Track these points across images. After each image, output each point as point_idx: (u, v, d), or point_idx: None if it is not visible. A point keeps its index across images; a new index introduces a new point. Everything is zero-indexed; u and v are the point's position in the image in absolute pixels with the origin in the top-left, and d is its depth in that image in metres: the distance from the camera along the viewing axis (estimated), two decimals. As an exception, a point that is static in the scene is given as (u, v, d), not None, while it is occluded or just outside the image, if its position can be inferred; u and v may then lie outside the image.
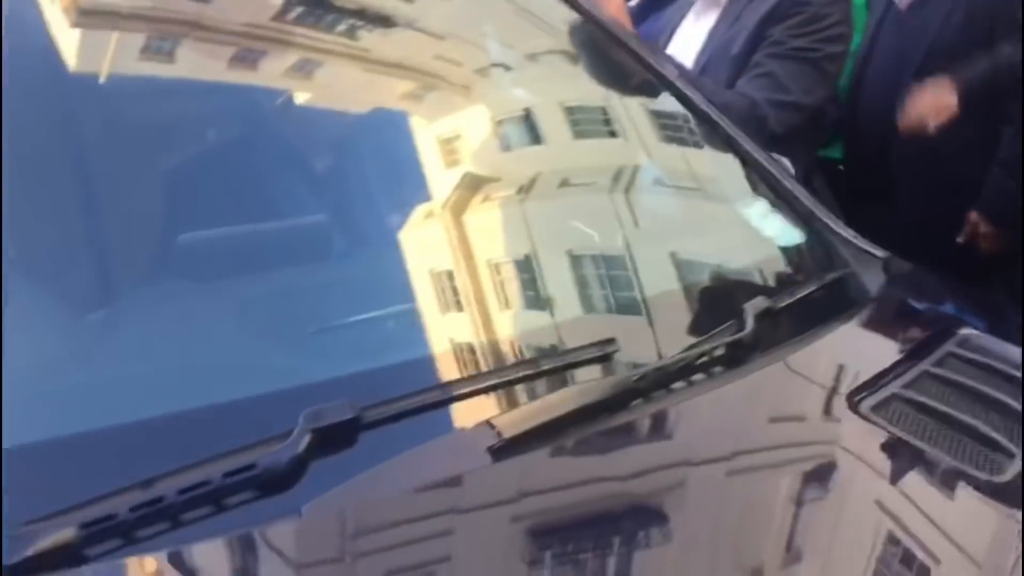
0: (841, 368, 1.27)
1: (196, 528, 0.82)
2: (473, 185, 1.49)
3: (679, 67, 2.06)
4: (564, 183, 1.62)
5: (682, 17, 2.36)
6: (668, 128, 1.78)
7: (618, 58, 1.81)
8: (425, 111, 1.69)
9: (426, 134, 1.63)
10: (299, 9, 1.71)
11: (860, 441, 1.10)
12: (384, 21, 1.78)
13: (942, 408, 1.13)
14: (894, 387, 1.18)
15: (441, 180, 1.51)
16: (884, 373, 1.22)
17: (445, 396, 1.01)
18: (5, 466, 0.80)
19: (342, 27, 1.74)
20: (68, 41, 1.43)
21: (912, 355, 1.27)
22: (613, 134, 1.76)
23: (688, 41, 2.29)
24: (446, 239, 1.33)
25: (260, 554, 0.84)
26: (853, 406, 1.16)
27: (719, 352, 1.19)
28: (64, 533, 0.77)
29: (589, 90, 1.79)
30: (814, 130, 2.19)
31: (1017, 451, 1.08)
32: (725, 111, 1.81)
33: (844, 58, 2.16)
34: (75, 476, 0.84)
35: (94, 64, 1.45)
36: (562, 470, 1.01)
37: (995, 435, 1.10)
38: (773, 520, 1.00)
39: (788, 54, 2.04)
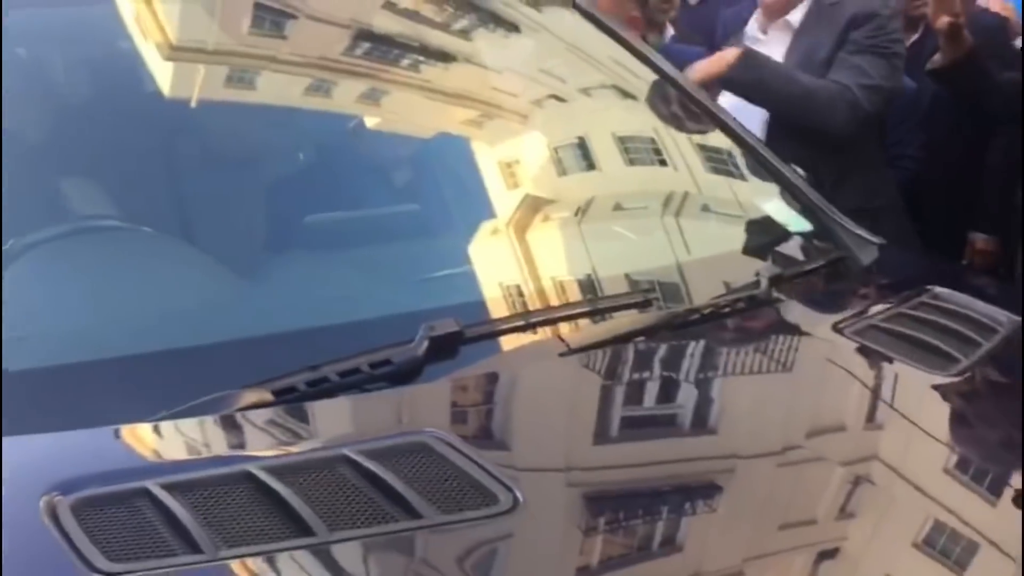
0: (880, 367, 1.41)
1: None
2: (534, 206, 1.70)
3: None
4: (617, 207, 1.83)
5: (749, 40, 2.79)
6: (709, 153, 2.04)
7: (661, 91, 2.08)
8: (486, 137, 1.92)
9: (487, 157, 1.86)
10: (366, 45, 1.97)
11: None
12: (445, 56, 2.01)
13: (905, 331, 1.41)
14: (873, 320, 1.46)
15: (503, 200, 1.73)
16: (865, 311, 1.49)
17: (524, 323, 1.29)
18: None
19: (406, 61, 1.98)
20: (162, 73, 1.70)
21: (892, 302, 1.54)
22: (663, 163, 1.96)
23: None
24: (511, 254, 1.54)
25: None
26: (839, 330, 1.42)
27: (739, 304, 1.45)
28: (262, 395, 1.06)
29: (639, 122, 1.99)
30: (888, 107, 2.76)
31: (962, 358, 1.36)
32: (824, 93, 2.51)
33: (904, 55, 2.75)
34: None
35: (178, 90, 1.72)
36: (614, 453, 1.16)
37: (942, 345, 1.37)
38: (823, 495, 1.11)
39: (868, 50, 2.60)
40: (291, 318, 1.27)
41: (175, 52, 1.74)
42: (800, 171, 1.94)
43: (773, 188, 1.84)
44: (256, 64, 1.85)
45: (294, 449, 1.04)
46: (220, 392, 1.05)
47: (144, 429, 1.04)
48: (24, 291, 1.24)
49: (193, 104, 1.72)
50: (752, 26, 2.82)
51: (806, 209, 1.80)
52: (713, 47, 2.83)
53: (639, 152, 2.02)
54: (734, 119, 1.98)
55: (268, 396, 1.07)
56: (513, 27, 2.13)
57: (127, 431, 1.04)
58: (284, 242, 1.54)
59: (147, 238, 1.48)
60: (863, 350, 1.39)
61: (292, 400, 1.08)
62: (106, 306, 1.29)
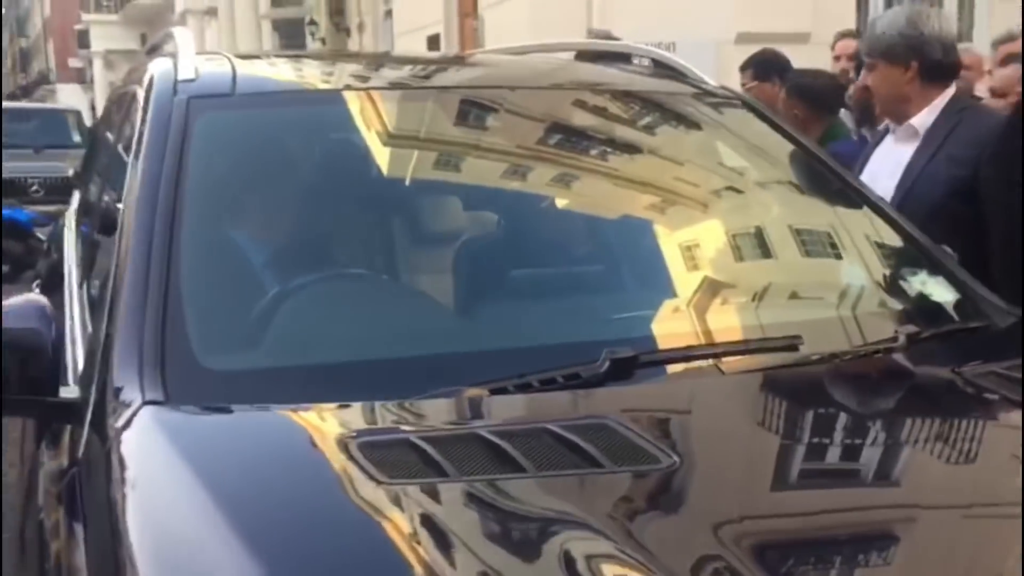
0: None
1: None
2: (712, 289, 1.90)
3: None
4: (794, 295, 1.99)
5: (874, 147, 2.92)
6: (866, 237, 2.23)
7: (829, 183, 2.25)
8: (666, 221, 2.14)
9: (668, 239, 2.08)
10: (559, 136, 2.28)
11: None
12: (631, 148, 2.28)
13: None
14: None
15: (683, 280, 1.94)
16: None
17: (686, 355, 1.59)
18: None
19: (595, 151, 2.26)
20: (383, 156, 2.06)
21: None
22: (839, 256, 2.10)
23: (882, 167, 2.83)
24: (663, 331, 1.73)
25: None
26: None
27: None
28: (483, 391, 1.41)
29: (813, 214, 2.19)
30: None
31: None
32: None
33: None
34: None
35: (402, 172, 2.10)
36: (789, 500, 1.30)
37: None
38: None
39: None
40: (501, 342, 1.62)
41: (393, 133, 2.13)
42: (948, 250, 2.16)
43: (923, 265, 2.06)
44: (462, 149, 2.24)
45: (510, 422, 1.38)
46: (455, 387, 1.41)
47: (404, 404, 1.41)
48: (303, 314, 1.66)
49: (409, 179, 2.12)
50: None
51: (953, 281, 2.00)
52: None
53: (808, 239, 2.24)
54: (886, 202, 2.22)
55: (487, 392, 1.41)
56: (695, 124, 2.43)
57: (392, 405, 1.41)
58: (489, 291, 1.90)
59: (386, 284, 1.89)
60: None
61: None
62: (358, 328, 1.68)
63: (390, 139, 2.11)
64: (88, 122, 13.38)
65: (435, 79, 2.45)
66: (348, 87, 2.19)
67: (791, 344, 1.63)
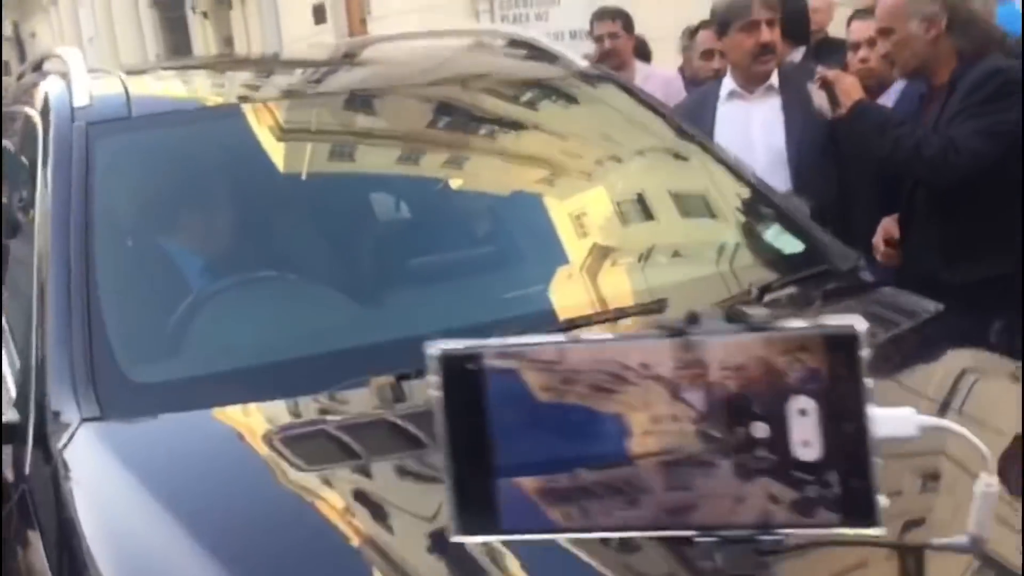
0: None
1: None
2: (602, 253, 2.09)
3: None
4: (668, 257, 2.19)
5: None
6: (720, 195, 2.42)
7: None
8: (555, 193, 2.31)
9: (558, 210, 2.24)
10: (446, 119, 2.42)
11: None
12: (516, 125, 2.47)
13: None
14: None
15: (574, 247, 2.12)
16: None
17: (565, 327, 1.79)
18: None
19: (483, 131, 2.47)
20: (279, 164, 2.18)
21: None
22: (713, 216, 2.34)
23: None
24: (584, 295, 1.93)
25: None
26: None
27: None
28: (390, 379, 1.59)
29: (689, 179, 2.39)
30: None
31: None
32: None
33: None
34: None
35: (299, 176, 2.23)
36: None
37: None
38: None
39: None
40: (405, 330, 1.79)
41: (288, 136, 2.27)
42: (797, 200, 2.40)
43: (774, 219, 2.31)
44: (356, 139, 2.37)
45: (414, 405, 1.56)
46: (361, 378, 1.59)
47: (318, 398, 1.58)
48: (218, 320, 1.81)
49: (307, 177, 2.24)
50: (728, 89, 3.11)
51: (798, 232, 2.25)
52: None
53: (674, 203, 2.45)
54: (736, 159, 2.46)
55: (393, 380, 1.60)
56: (572, 99, 2.57)
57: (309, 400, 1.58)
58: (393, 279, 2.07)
59: (294, 283, 2.04)
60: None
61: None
62: (271, 330, 1.85)
63: (285, 147, 2.25)
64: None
65: (326, 83, 2.57)
66: (242, 99, 2.32)
67: (658, 307, 1.85)
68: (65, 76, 2.25)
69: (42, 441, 1.54)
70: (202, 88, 2.53)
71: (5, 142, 3.31)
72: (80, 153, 1.94)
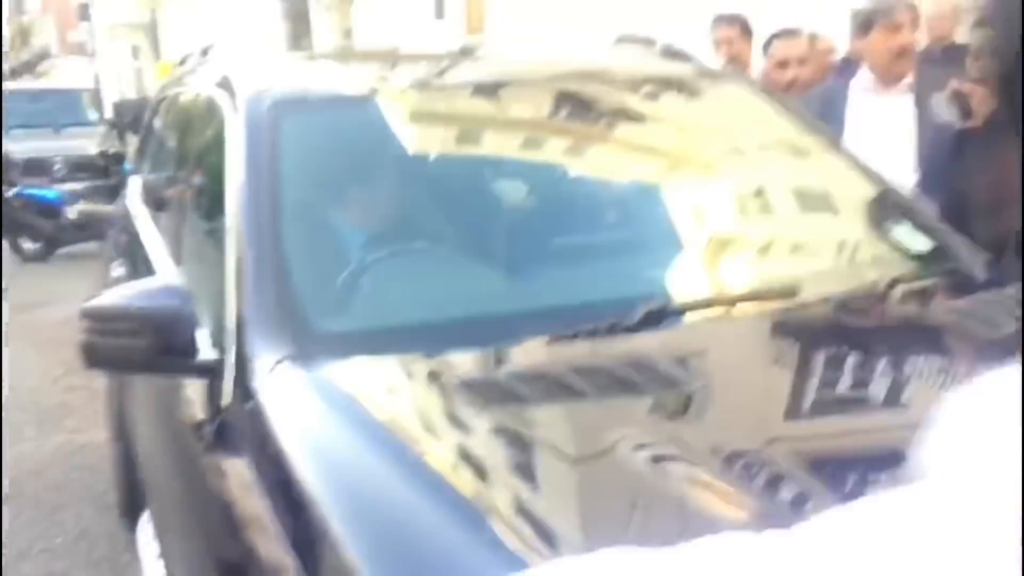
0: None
1: None
2: (721, 244, 2.25)
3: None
4: (795, 249, 2.33)
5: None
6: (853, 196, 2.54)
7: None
8: (657, 184, 2.46)
9: (661, 200, 2.40)
10: (568, 108, 2.56)
11: None
12: (637, 117, 2.60)
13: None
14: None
15: (693, 236, 2.27)
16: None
17: (708, 303, 1.94)
18: None
19: (603, 121, 2.60)
20: (406, 134, 2.40)
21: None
22: (823, 211, 2.45)
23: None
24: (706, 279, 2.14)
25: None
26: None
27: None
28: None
29: (810, 175, 2.51)
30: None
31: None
32: None
33: None
34: None
35: (426, 148, 2.46)
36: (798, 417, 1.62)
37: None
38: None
39: None
40: (554, 300, 1.97)
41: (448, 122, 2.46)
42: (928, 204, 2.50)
43: (903, 217, 2.41)
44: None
45: (571, 362, 1.74)
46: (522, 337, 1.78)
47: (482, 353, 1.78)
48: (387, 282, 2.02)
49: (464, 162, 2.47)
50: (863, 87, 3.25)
51: (928, 231, 2.35)
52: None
53: (802, 198, 2.58)
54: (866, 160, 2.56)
55: (547, 341, 1.78)
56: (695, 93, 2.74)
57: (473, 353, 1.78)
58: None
59: (450, 255, 2.24)
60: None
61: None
62: (431, 293, 2.05)
63: (443, 131, 2.51)
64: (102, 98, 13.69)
65: (492, 74, 2.72)
66: (412, 86, 2.53)
67: (791, 291, 1.99)
68: (243, 60, 2.50)
69: (241, 380, 1.77)
70: (366, 75, 2.76)
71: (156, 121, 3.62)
72: (269, 131, 2.17)
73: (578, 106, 2.58)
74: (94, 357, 1.91)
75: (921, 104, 3.15)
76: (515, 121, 2.65)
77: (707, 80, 2.73)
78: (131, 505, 3.50)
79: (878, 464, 1.38)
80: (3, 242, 9.11)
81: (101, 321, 1.87)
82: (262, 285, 1.87)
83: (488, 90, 2.57)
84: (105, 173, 10.53)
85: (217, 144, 2.38)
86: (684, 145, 2.64)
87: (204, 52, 3.48)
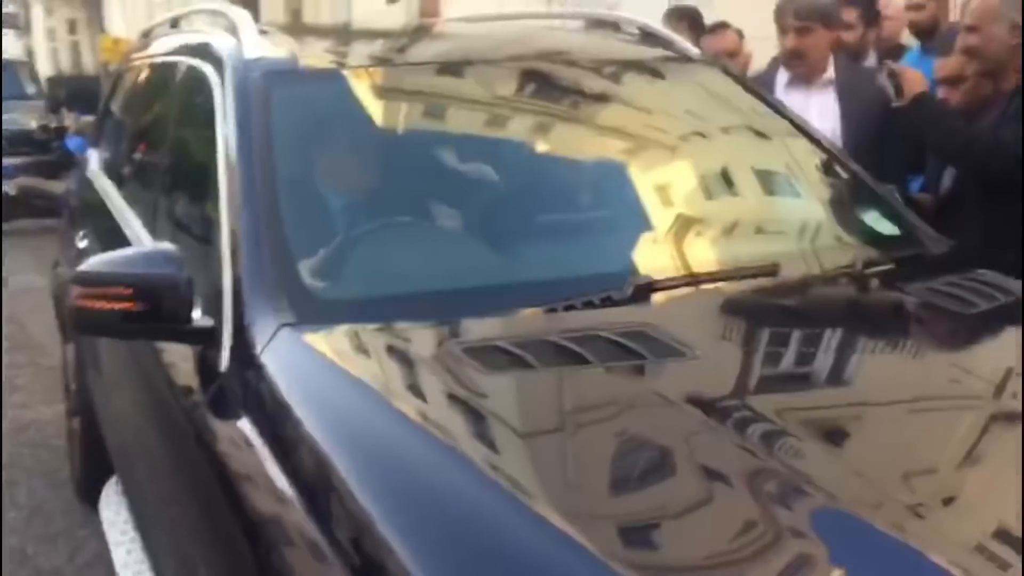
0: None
1: None
2: (686, 224, 2.27)
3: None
4: (759, 230, 2.36)
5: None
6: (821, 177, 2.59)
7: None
8: (639, 163, 2.48)
9: (643, 180, 2.42)
10: (533, 86, 2.58)
11: None
12: (601, 98, 2.61)
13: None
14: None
15: (658, 215, 2.30)
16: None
17: (693, 281, 2.01)
18: None
19: (567, 101, 2.58)
20: (376, 110, 2.39)
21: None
22: (797, 195, 2.51)
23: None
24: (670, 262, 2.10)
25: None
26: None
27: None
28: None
29: (772, 157, 2.56)
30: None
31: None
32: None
33: None
34: None
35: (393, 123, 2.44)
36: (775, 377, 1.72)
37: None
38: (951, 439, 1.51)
39: None
40: (547, 273, 2.01)
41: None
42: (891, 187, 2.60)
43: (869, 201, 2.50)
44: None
45: (567, 331, 1.78)
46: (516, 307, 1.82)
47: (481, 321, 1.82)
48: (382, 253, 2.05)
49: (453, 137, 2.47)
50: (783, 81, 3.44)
51: (895, 216, 2.45)
52: None
53: (768, 177, 2.65)
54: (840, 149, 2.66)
55: (542, 311, 1.83)
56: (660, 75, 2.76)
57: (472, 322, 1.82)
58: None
59: (438, 229, 2.27)
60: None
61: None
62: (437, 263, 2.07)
63: (429, 107, 2.50)
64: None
65: (477, 52, 2.71)
66: (396, 61, 2.57)
67: (771, 270, 2.06)
68: (233, 32, 2.49)
69: (242, 342, 1.78)
70: (348, 50, 2.77)
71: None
72: (260, 101, 2.18)
73: (561, 84, 2.60)
74: (85, 322, 1.91)
75: (843, 92, 3.36)
76: (496, 100, 2.64)
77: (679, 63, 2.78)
78: (91, 479, 3.47)
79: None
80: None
81: (94, 286, 1.87)
82: (260, 253, 1.88)
83: (476, 67, 2.58)
84: (45, 148, 10.26)
85: (202, 114, 2.37)
86: (670, 127, 2.67)
87: (174, 23, 3.44)
